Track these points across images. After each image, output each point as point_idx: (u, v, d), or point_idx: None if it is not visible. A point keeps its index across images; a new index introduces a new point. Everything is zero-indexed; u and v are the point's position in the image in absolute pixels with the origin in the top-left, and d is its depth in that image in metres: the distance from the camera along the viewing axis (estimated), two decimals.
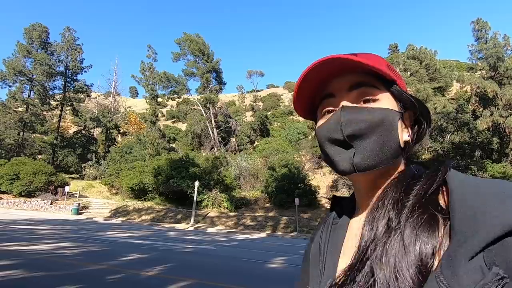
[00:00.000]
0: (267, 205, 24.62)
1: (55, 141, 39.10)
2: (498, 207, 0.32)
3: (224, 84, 41.34)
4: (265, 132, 52.25)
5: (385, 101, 0.47)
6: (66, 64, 40.38)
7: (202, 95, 38.19)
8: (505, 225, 0.30)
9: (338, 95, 0.48)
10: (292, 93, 0.54)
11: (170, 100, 42.54)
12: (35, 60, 36.52)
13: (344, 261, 0.46)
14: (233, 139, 41.55)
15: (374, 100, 0.47)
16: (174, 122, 78.30)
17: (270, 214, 21.85)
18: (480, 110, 23.20)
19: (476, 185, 0.36)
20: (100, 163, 38.87)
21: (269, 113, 62.50)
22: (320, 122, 0.51)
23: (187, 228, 18.15)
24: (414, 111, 0.49)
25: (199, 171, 24.92)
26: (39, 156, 39.66)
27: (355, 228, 0.49)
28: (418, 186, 0.41)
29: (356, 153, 0.45)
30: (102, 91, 58.65)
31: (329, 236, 0.54)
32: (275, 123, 60.78)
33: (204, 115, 38.64)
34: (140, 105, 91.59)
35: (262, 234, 17.11)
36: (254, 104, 75.08)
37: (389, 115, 0.46)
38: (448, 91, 27.03)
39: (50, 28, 39.07)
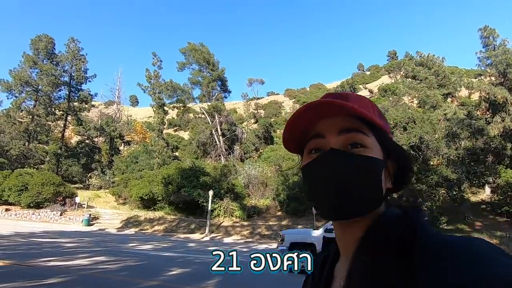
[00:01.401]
0: (279, 213, 24.45)
1: (59, 151, 38.79)
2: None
3: (229, 92, 41.58)
4: (269, 139, 52.24)
5: (374, 149, 0.47)
6: (71, 74, 40.43)
7: (209, 103, 38.26)
8: None
9: (327, 137, 0.48)
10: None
11: (175, 109, 42.49)
12: (41, 71, 36.58)
13: None
14: (238, 147, 41.49)
15: (363, 146, 0.46)
16: (176, 130, 78.24)
17: (284, 222, 21.68)
18: (488, 116, 23.38)
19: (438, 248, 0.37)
20: (105, 172, 38.57)
21: (271, 120, 62.69)
22: (306, 160, 0.50)
23: (203, 238, 17.93)
24: (397, 159, 0.50)
25: (210, 179, 24.79)
26: (42, 166, 39.37)
27: (337, 276, 0.50)
28: (389, 245, 0.41)
29: (342, 200, 0.44)
30: (105, 100, 58.63)
31: (318, 279, 0.54)
32: (278, 130, 60.95)
33: (210, 123, 38.64)
34: (140, 114, 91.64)
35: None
36: (256, 111, 75.35)
37: (376, 164, 0.46)
38: (453, 97, 27.26)
39: (55, 38, 39.07)
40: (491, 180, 20.68)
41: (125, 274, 5.92)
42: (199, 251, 11.41)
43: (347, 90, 63.73)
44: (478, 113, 24.53)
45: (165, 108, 37.01)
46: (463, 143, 18.36)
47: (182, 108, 41.95)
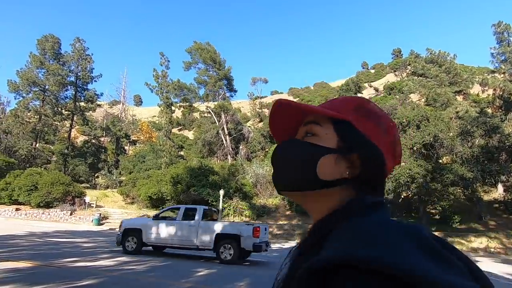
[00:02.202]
0: (288, 212, 24.32)
1: (66, 151, 38.88)
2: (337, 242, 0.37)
3: (235, 91, 41.43)
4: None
5: (323, 137, 0.51)
6: (76, 74, 40.46)
7: (216, 103, 38.16)
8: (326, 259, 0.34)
9: (299, 129, 0.56)
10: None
11: (182, 108, 42.39)
12: (47, 71, 36.65)
13: None
14: (244, 146, 41.37)
15: (314, 135, 0.52)
16: (180, 130, 78.23)
17: (294, 222, 21.55)
18: (501, 113, 23.03)
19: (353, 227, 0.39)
20: (111, 172, 38.65)
21: None
22: None
23: None
24: (358, 151, 0.49)
25: (219, 179, 24.70)
26: (48, 166, 39.48)
27: None
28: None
29: (275, 176, 0.53)
30: (109, 100, 58.72)
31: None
32: None
33: (217, 122, 38.52)
34: (144, 113, 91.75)
35: (292, 243, 16.82)
36: (260, 111, 75.18)
37: (310, 149, 0.50)
38: (464, 95, 26.89)
39: (60, 38, 39.06)
40: (504, 179, 20.39)
41: (154, 275, 5.81)
42: None
43: (351, 89, 63.54)
44: (490, 110, 24.18)
45: (172, 107, 36.91)
46: (477, 141, 18.10)
47: (188, 107, 41.84)
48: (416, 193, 16.66)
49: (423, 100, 30.72)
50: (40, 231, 14.86)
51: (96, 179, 40.49)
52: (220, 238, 8.21)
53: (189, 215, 9.00)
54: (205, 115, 46.80)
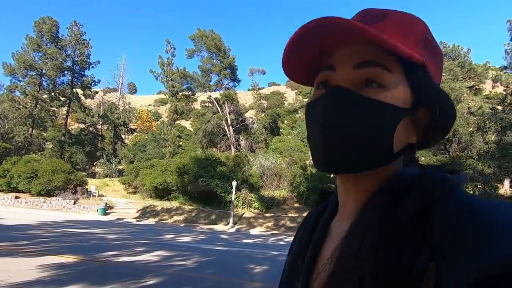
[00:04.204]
0: (297, 205, 24.14)
1: (63, 138, 37.70)
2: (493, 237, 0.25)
3: (239, 81, 40.67)
4: (276, 130, 51.72)
5: (394, 91, 0.36)
6: (73, 59, 38.95)
7: (221, 92, 37.39)
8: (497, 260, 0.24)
9: (339, 70, 0.37)
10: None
11: (184, 97, 41.43)
12: (45, 55, 35.12)
13: (321, 263, 0.41)
14: (248, 137, 40.90)
15: (381, 86, 0.36)
16: (177, 119, 77.10)
17: (304, 214, 21.37)
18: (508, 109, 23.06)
19: (475, 209, 0.28)
20: (110, 161, 37.75)
21: (279, 110, 62.09)
22: (312, 97, 0.41)
23: (228, 229, 17.54)
24: (433, 109, 0.37)
25: (227, 170, 24.27)
26: (43, 153, 38.21)
27: (334, 234, 0.41)
28: (403, 206, 0.32)
29: (332, 151, 0.36)
30: (104, 87, 57.06)
31: (310, 234, 0.45)
32: (286, 121, 60.45)
33: (221, 112, 37.82)
34: (139, 101, 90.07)
35: None
36: (259, 102, 74.53)
37: (388, 114, 0.35)
38: (477, 90, 26.88)
39: (59, 21, 37.38)
40: None
41: (211, 272, 5.41)
42: (242, 244, 10.98)
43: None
44: (500, 107, 24.22)
45: (177, 96, 35.98)
46: (493, 137, 18.09)
47: (191, 96, 40.96)
48: None
49: None
50: (50, 221, 14.29)
51: (93, 168, 39.55)
52: None
53: None
54: (207, 104, 45.94)
